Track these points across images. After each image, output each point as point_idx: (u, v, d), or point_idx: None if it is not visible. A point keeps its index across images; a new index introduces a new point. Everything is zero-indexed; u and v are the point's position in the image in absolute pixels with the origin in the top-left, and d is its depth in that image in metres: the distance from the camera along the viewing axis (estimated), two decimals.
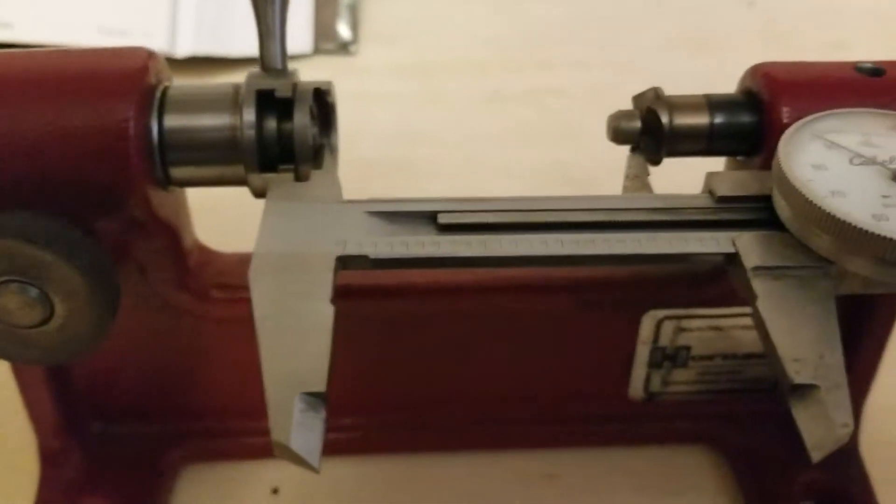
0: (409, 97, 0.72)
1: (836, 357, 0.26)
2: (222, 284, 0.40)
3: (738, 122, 0.34)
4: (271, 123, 0.34)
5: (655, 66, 0.76)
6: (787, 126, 0.32)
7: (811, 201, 0.28)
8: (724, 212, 0.31)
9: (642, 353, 0.43)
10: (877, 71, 0.34)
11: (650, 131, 0.35)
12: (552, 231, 0.30)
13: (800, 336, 0.27)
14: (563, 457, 0.47)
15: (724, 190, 0.31)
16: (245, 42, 0.68)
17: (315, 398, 0.26)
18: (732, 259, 0.29)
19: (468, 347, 0.44)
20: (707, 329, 0.42)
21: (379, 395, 0.46)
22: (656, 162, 0.35)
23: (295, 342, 0.27)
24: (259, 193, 0.35)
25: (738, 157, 0.36)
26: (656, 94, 0.35)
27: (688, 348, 0.42)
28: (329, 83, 0.35)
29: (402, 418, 0.46)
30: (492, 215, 0.31)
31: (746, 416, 0.46)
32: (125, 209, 0.34)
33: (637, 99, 0.36)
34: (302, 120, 0.34)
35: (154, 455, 0.45)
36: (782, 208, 0.30)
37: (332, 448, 0.45)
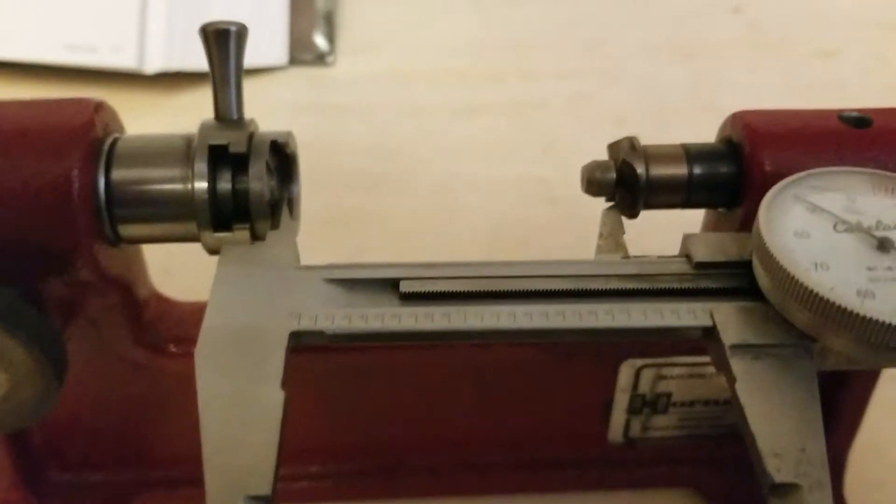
0: (387, 109, 0.70)
1: (818, 449, 0.25)
2: (179, 338, 0.38)
3: (717, 173, 0.33)
4: (225, 179, 0.32)
5: (639, 73, 0.74)
6: (768, 179, 0.31)
7: (793, 276, 0.26)
8: (701, 279, 0.29)
9: (621, 400, 0.41)
10: (862, 121, 0.32)
11: (626, 183, 0.33)
12: (520, 300, 0.29)
13: (780, 426, 0.25)
14: (542, 502, 0.45)
15: (701, 255, 0.30)
16: None
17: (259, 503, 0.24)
18: (710, 333, 0.28)
19: (442, 392, 0.42)
20: (687, 376, 0.40)
21: (349, 440, 0.44)
22: (633, 215, 0.33)
23: (240, 434, 0.25)
24: (213, 251, 0.33)
25: (719, 209, 0.34)
26: (631, 143, 0.33)
27: (668, 395, 0.41)
28: (287, 134, 0.34)
29: (374, 464, 0.44)
30: (456, 283, 0.29)
31: (728, 460, 0.44)
32: (72, 270, 0.32)
33: (612, 148, 0.34)
34: (257, 177, 0.32)
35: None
36: (762, 277, 0.28)
37: (302, 496, 0.44)
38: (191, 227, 0.32)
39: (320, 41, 0.75)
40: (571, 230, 0.60)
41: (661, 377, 0.40)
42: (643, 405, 0.41)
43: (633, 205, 0.33)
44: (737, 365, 0.26)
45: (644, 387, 0.40)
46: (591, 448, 0.44)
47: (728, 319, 0.28)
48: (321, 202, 0.61)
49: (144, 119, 0.68)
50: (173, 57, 0.68)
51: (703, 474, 0.45)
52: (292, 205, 0.35)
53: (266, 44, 0.71)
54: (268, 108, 0.69)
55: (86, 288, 0.33)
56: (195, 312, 0.39)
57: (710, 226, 0.36)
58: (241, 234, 0.32)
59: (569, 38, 0.77)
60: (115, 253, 0.34)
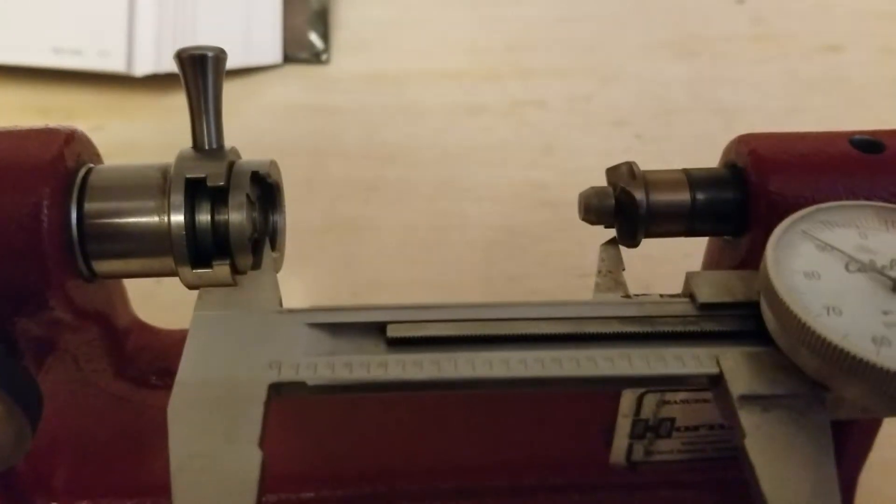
0: (382, 110, 0.68)
1: None
2: (162, 370, 0.36)
3: (721, 200, 0.31)
4: (204, 212, 0.31)
5: (639, 72, 0.72)
6: (775, 207, 0.29)
7: (803, 321, 0.25)
8: (706, 321, 0.28)
9: (623, 425, 0.40)
10: (874, 145, 0.30)
11: (625, 211, 0.31)
12: (514, 345, 0.27)
13: (794, 488, 0.23)
14: None
15: (706, 295, 0.28)
16: None
17: None
18: (716, 381, 0.26)
19: (437, 415, 0.41)
20: (692, 401, 0.39)
21: (341, 466, 0.43)
22: (633, 244, 0.32)
23: (215, 499, 0.24)
24: (193, 287, 0.31)
25: (725, 237, 0.33)
26: (631, 169, 0.32)
27: (672, 420, 0.39)
28: (269, 163, 0.32)
29: (366, 491, 0.43)
30: (446, 327, 0.28)
31: (733, 483, 0.43)
32: (45, 310, 0.30)
33: (610, 173, 0.32)
34: (237, 211, 0.30)
35: None
36: (770, 320, 0.27)
37: None
38: (169, 261, 0.31)
39: (315, 39, 0.73)
40: (572, 236, 0.58)
41: (665, 402, 0.38)
42: (646, 430, 0.40)
43: (634, 234, 0.31)
44: (746, 418, 0.25)
45: (647, 412, 0.39)
46: (592, 472, 0.42)
47: (736, 367, 0.26)
48: (313, 210, 0.59)
49: (135, 120, 0.67)
50: (163, 59, 0.66)
51: (706, 497, 0.44)
52: (276, 236, 0.33)
53: (259, 42, 0.70)
54: (261, 108, 0.68)
55: (61, 326, 0.32)
56: (179, 342, 0.37)
57: (713, 254, 0.34)
58: (221, 269, 0.31)
59: (567, 36, 0.75)
60: (92, 288, 0.32)
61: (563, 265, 0.56)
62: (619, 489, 0.43)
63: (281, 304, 0.29)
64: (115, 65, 0.65)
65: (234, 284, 0.31)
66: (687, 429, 0.40)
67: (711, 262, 0.34)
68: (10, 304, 0.30)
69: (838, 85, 0.70)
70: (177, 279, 0.31)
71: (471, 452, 0.42)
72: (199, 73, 0.31)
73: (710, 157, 0.63)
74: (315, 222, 0.58)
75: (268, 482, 0.42)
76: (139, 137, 0.63)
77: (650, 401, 0.39)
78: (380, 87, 0.70)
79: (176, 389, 0.26)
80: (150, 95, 0.67)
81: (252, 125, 0.64)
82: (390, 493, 0.43)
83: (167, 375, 0.36)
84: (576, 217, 0.61)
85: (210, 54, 0.31)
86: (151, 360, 0.36)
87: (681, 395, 0.39)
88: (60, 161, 0.30)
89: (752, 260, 0.31)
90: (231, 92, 0.68)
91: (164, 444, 0.39)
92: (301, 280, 0.54)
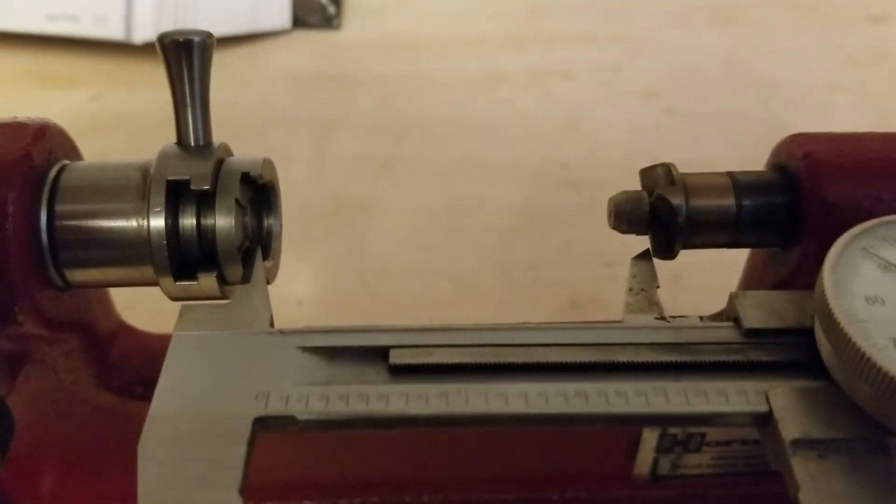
0: (396, 81, 0.65)
1: None
2: (149, 380, 0.33)
3: (770, 207, 0.28)
4: (189, 215, 0.27)
5: (670, 40, 0.68)
6: (830, 216, 0.26)
7: (865, 354, 0.21)
8: (752, 350, 0.24)
9: (650, 438, 0.36)
10: None
11: (661, 219, 0.28)
12: (532, 375, 0.24)
13: None
14: None
15: (752, 320, 0.25)
16: (213, 23, 0.61)
17: None
18: (765, 420, 0.23)
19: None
20: None
21: (350, 474, 0.40)
22: (669, 256, 0.28)
23: None
24: (177, 299, 0.28)
25: (773, 249, 0.29)
26: (668, 171, 0.28)
27: (702, 434, 0.36)
28: (262, 162, 0.28)
29: (377, 501, 0.40)
30: (456, 353, 0.24)
31: (764, 499, 0.40)
32: (13, 324, 0.27)
33: (646, 175, 0.29)
34: (225, 217, 0.27)
35: None
36: (826, 351, 0.23)
37: None
38: (150, 271, 0.28)
39: (326, 2, 0.69)
40: (595, 221, 0.54)
41: None
42: (674, 444, 0.37)
43: (670, 245, 0.28)
44: (800, 467, 0.22)
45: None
46: (614, 485, 0.40)
47: (787, 405, 0.23)
48: (321, 189, 0.56)
49: (135, 90, 0.64)
50: (164, 25, 0.63)
51: None
52: (270, 241, 0.30)
53: (267, 5, 0.66)
54: (267, 77, 0.64)
55: (34, 339, 0.29)
56: (167, 347, 0.34)
57: (756, 267, 0.31)
58: (207, 281, 0.27)
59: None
60: (66, 297, 0.29)
61: (586, 253, 0.53)
62: (642, 503, 0.41)
63: (272, 324, 0.26)
64: (113, 31, 0.62)
65: (222, 297, 0.28)
66: (718, 444, 0.37)
67: (753, 276, 0.31)
68: None
69: (881, 58, 0.66)
70: None
71: (487, 462, 0.39)
72: (184, 60, 0.27)
73: (745, 135, 0.60)
74: (323, 202, 0.55)
75: (269, 490, 0.40)
76: (139, 108, 0.60)
77: None
78: (394, 55, 0.66)
79: (148, 424, 0.23)
80: (152, 63, 0.64)
81: (257, 96, 0.61)
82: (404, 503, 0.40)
83: (154, 385, 0.33)
84: (600, 199, 0.57)
85: (196, 39, 0.27)
86: (138, 367, 0.34)
87: None
88: (27, 160, 0.27)
89: (801, 276, 0.28)
90: (235, 60, 0.65)
91: None
92: (307, 265, 0.51)
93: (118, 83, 0.63)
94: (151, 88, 0.62)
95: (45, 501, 0.39)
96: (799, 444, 0.22)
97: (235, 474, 0.22)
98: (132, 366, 0.33)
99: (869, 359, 0.21)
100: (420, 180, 0.57)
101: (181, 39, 0.27)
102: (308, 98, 0.63)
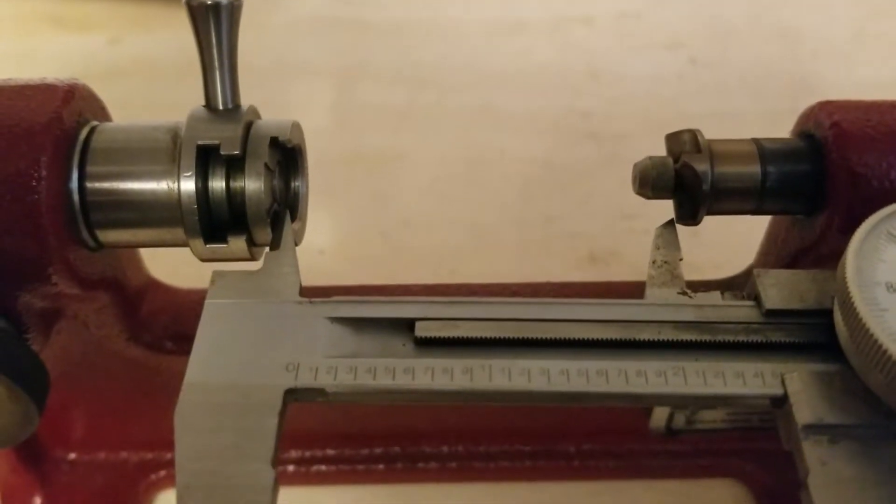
0: (415, 28, 0.64)
1: None
2: (178, 335, 0.34)
3: (796, 175, 0.28)
4: (219, 178, 0.28)
5: None
6: (856, 188, 0.26)
7: (882, 346, 0.22)
8: (772, 330, 0.25)
9: None
10: None
11: (686, 185, 0.28)
12: (555, 351, 0.25)
13: None
14: (580, 490, 0.42)
15: (773, 301, 0.25)
16: None
17: None
18: (780, 402, 0.24)
19: None
20: None
21: (369, 424, 0.41)
22: (693, 223, 0.29)
23: None
24: (207, 260, 0.29)
25: (797, 215, 0.29)
26: (695, 137, 0.28)
27: None
28: (290, 126, 0.29)
29: (399, 450, 0.41)
30: (480, 326, 0.25)
31: (774, 452, 0.41)
32: (47, 283, 0.28)
33: (671, 140, 0.29)
34: (254, 181, 0.27)
35: (123, 483, 0.41)
36: (843, 335, 0.24)
37: (320, 479, 0.42)
38: (181, 232, 0.28)
39: None
40: (616, 173, 0.54)
41: None
42: None
43: (695, 211, 0.28)
44: (811, 452, 0.22)
45: None
46: (629, 438, 0.41)
47: (803, 389, 0.23)
48: (341, 138, 0.56)
49: (154, 34, 0.63)
50: None
51: (747, 466, 0.42)
52: (297, 203, 0.30)
53: None
54: (285, 23, 0.64)
55: (67, 297, 0.29)
56: (195, 303, 0.35)
57: (780, 233, 0.31)
58: (237, 244, 0.28)
59: None
60: (98, 255, 0.30)
61: (606, 205, 0.53)
62: (657, 456, 0.42)
63: (301, 289, 0.26)
64: None
65: (251, 258, 0.29)
66: None
67: (776, 241, 0.31)
68: (10, 280, 0.28)
69: None
70: None
71: (505, 415, 0.40)
72: (213, 23, 0.27)
73: (769, 86, 0.59)
74: (342, 152, 0.55)
75: (293, 440, 0.41)
76: (158, 53, 0.60)
77: None
78: (413, 1, 0.65)
79: (183, 393, 0.24)
80: (171, 6, 0.63)
81: (275, 42, 0.61)
82: (418, 454, 0.41)
83: (183, 340, 0.34)
84: (621, 151, 0.57)
85: (224, 2, 0.27)
86: (167, 323, 0.34)
87: None
88: (58, 122, 0.27)
89: (824, 243, 0.28)
90: (253, 4, 0.64)
91: None
92: (327, 216, 0.52)
93: (136, 27, 0.62)
94: (170, 33, 0.61)
95: (76, 448, 0.40)
96: (811, 428, 0.23)
97: (268, 446, 0.23)
98: (162, 321, 0.34)
99: (885, 350, 0.22)
100: (440, 130, 0.57)
101: (210, 2, 0.27)
102: (328, 45, 0.63)
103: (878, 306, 0.23)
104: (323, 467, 0.42)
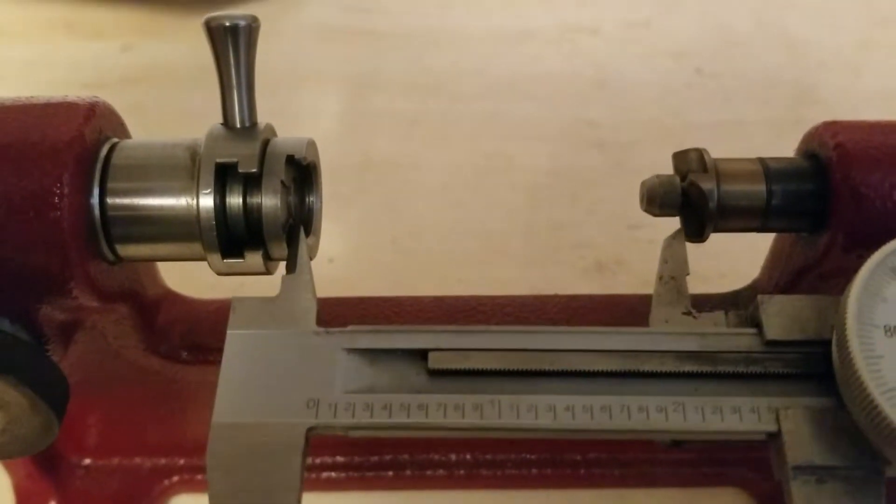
0: (425, 36, 0.64)
1: None
2: (193, 345, 0.35)
3: (800, 194, 0.28)
4: (236, 195, 0.28)
5: None
6: (860, 209, 0.27)
7: (872, 399, 0.22)
8: (771, 361, 0.26)
9: None
10: None
11: (693, 203, 0.29)
12: (561, 381, 0.26)
13: None
14: (586, 499, 0.43)
15: (775, 331, 0.26)
16: None
17: None
18: (775, 437, 0.24)
19: None
20: None
21: None
22: (700, 240, 0.29)
23: None
24: (223, 274, 0.30)
25: (801, 233, 0.30)
26: (701, 156, 0.29)
27: None
28: (306, 144, 0.29)
29: (406, 457, 0.42)
30: (490, 357, 0.26)
31: None
32: (68, 297, 0.29)
33: (679, 159, 0.29)
34: (271, 198, 0.28)
35: (137, 488, 0.42)
36: (839, 371, 0.24)
37: (329, 486, 0.43)
38: (198, 247, 0.29)
39: None
40: (623, 182, 0.55)
41: None
42: None
43: (701, 230, 0.29)
44: (798, 491, 0.23)
45: None
46: (635, 447, 0.41)
47: (796, 428, 0.24)
48: (352, 146, 0.57)
49: (166, 41, 0.64)
50: None
51: (750, 474, 0.43)
52: (311, 218, 0.31)
53: None
54: (296, 31, 0.64)
55: (87, 309, 0.30)
56: (210, 313, 0.36)
57: (784, 249, 0.31)
58: (254, 258, 0.29)
59: None
60: (117, 269, 0.30)
61: (613, 214, 0.53)
62: (661, 465, 0.42)
63: (317, 310, 0.27)
64: None
65: (267, 272, 0.29)
66: None
67: (780, 258, 0.32)
68: (32, 294, 0.29)
69: None
70: None
71: None
72: (231, 44, 0.28)
73: (775, 96, 0.59)
74: (354, 159, 0.56)
75: None
76: (170, 59, 0.61)
77: None
78: (423, 9, 0.66)
79: (212, 433, 0.25)
80: (184, 13, 0.64)
81: (287, 50, 0.61)
82: (426, 461, 0.42)
83: (199, 350, 0.35)
84: (627, 160, 0.58)
85: (242, 23, 0.28)
86: (183, 333, 0.35)
87: None
88: (80, 140, 0.28)
89: (827, 260, 0.29)
90: (265, 11, 0.65)
91: (194, 411, 0.39)
92: (339, 224, 0.52)
93: (149, 34, 0.63)
94: (182, 40, 0.62)
95: (90, 454, 0.41)
96: (801, 469, 0.24)
97: (294, 484, 0.24)
98: (178, 331, 0.35)
99: (874, 403, 0.23)
100: (449, 138, 0.58)
101: (228, 24, 0.28)
102: (338, 53, 0.63)
103: (873, 353, 0.23)
104: (332, 474, 0.42)
